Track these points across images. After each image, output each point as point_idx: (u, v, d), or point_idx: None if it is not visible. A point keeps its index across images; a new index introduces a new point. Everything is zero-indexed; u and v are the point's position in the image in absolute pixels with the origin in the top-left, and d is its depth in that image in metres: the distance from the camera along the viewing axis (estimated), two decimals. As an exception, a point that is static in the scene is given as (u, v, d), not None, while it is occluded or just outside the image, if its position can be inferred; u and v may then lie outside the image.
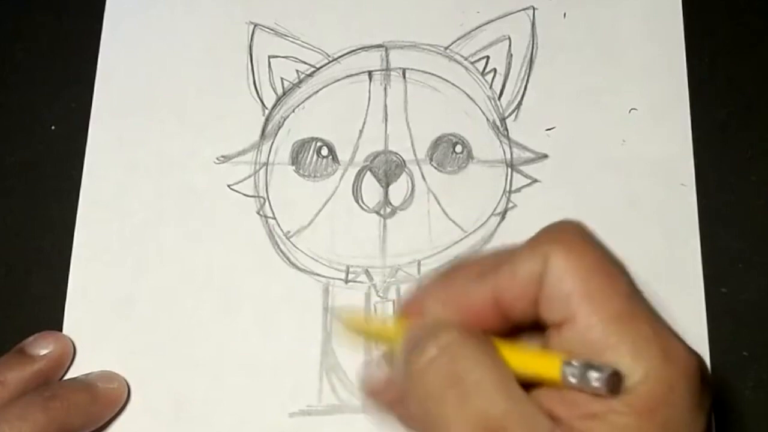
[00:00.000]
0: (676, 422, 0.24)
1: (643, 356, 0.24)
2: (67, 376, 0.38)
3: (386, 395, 0.30)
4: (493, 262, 0.27)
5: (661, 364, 0.24)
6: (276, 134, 0.41)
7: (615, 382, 0.24)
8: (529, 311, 0.27)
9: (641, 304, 0.26)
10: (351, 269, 0.39)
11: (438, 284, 0.29)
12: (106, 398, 0.37)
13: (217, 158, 0.41)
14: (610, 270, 0.26)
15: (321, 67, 0.42)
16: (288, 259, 0.39)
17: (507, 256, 0.27)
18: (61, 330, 0.39)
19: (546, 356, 0.25)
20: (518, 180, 0.40)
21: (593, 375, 0.24)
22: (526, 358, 0.26)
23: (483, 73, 0.42)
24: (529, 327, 0.28)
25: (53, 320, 0.39)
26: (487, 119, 0.41)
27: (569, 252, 0.26)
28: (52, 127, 0.43)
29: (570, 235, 0.27)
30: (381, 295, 0.39)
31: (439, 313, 0.28)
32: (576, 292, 0.25)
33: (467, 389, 0.25)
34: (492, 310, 0.27)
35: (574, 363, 0.24)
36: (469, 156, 0.40)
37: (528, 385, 0.25)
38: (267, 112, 0.42)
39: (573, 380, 0.24)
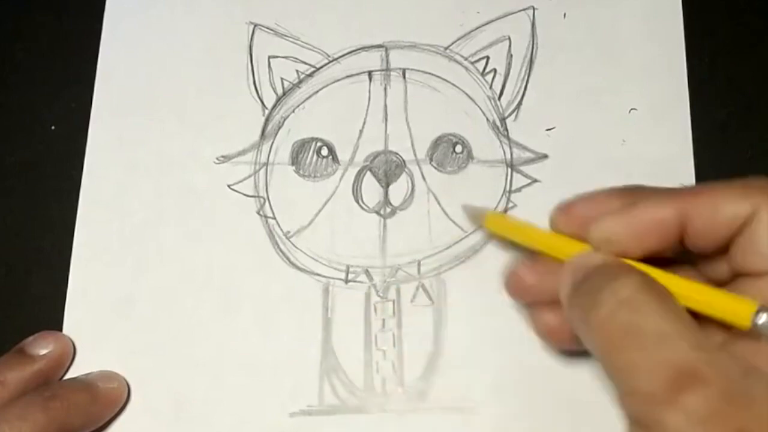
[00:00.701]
0: None
1: None
2: (67, 376, 0.38)
3: (529, 297, 0.30)
4: (684, 189, 0.27)
5: None
6: (276, 134, 0.41)
7: None
8: (712, 246, 0.26)
9: None
10: (351, 269, 0.39)
11: (610, 198, 0.28)
12: (106, 398, 0.37)
13: (217, 158, 0.41)
14: None
15: (321, 67, 0.42)
16: (288, 259, 0.39)
17: (706, 189, 0.26)
18: (61, 330, 0.39)
19: (737, 300, 0.25)
20: (518, 180, 0.40)
21: None
22: (714, 300, 0.25)
23: (483, 74, 0.42)
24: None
25: (53, 320, 0.39)
26: (487, 119, 0.41)
27: None
28: (52, 127, 0.43)
29: None
30: (381, 295, 0.39)
31: (607, 231, 0.27)
32: None
33: (652, 340, 0.24)
34: (673, 233, 0.26)
35: None
36: (469, 156, 0.40)
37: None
38: (267, 112, 0.42)
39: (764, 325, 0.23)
